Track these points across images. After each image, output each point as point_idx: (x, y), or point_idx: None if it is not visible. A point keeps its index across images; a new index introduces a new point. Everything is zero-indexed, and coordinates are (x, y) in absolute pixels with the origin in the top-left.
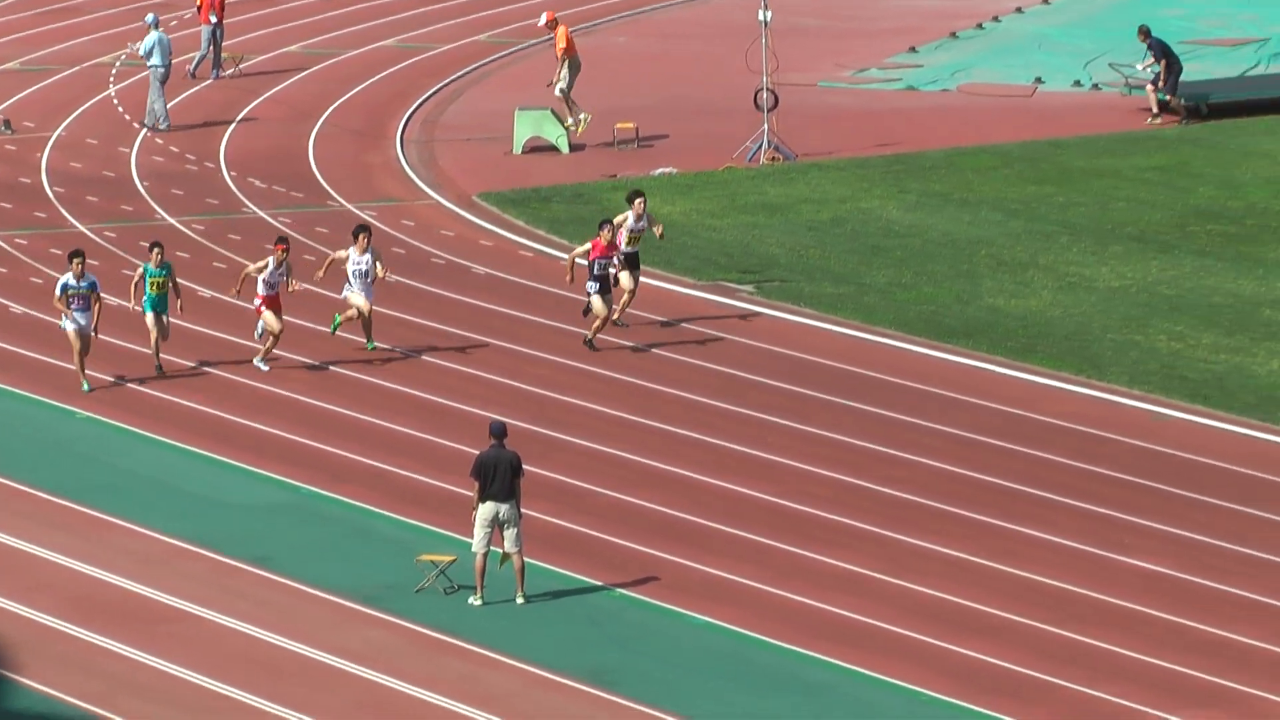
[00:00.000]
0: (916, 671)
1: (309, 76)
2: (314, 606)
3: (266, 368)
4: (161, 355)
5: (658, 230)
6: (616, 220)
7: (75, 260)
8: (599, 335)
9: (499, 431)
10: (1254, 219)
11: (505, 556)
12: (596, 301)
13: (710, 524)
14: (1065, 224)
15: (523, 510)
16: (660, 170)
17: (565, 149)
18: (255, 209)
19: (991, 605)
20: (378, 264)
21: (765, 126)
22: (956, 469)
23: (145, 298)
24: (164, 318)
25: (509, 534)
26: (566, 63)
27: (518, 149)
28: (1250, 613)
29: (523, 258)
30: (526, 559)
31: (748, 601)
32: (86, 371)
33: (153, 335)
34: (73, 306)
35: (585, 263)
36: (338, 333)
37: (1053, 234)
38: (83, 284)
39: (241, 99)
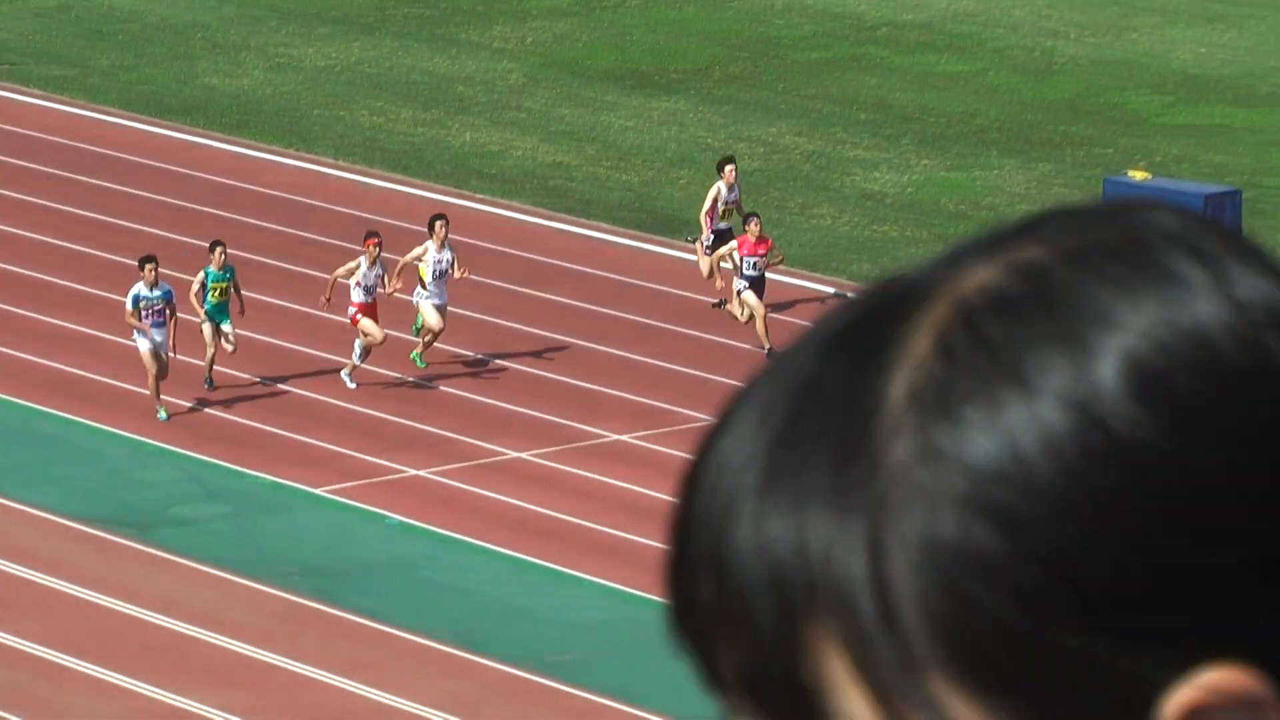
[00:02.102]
0: (137, 422)
1: None
2: None
3: (354, 385)
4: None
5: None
6: (711, 196)
7: (148, 266)
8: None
9: None
10: (447, 3)
11: None
12: (750, 297)
13: None
14: (274, 8)
15: None
16: None
17: None
18: None
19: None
20: (455, 262)
21: None
22: (173, 235)
23: (204, 305)
24: (224, 328)
25: None
26: None
27: None
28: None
29: None
30: None
31: None
32: (163, 396)
33: (209, 350)
34: (146, 320)
35: (736, 261)
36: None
37: (263, 18)
38: (156, 293)
39: None
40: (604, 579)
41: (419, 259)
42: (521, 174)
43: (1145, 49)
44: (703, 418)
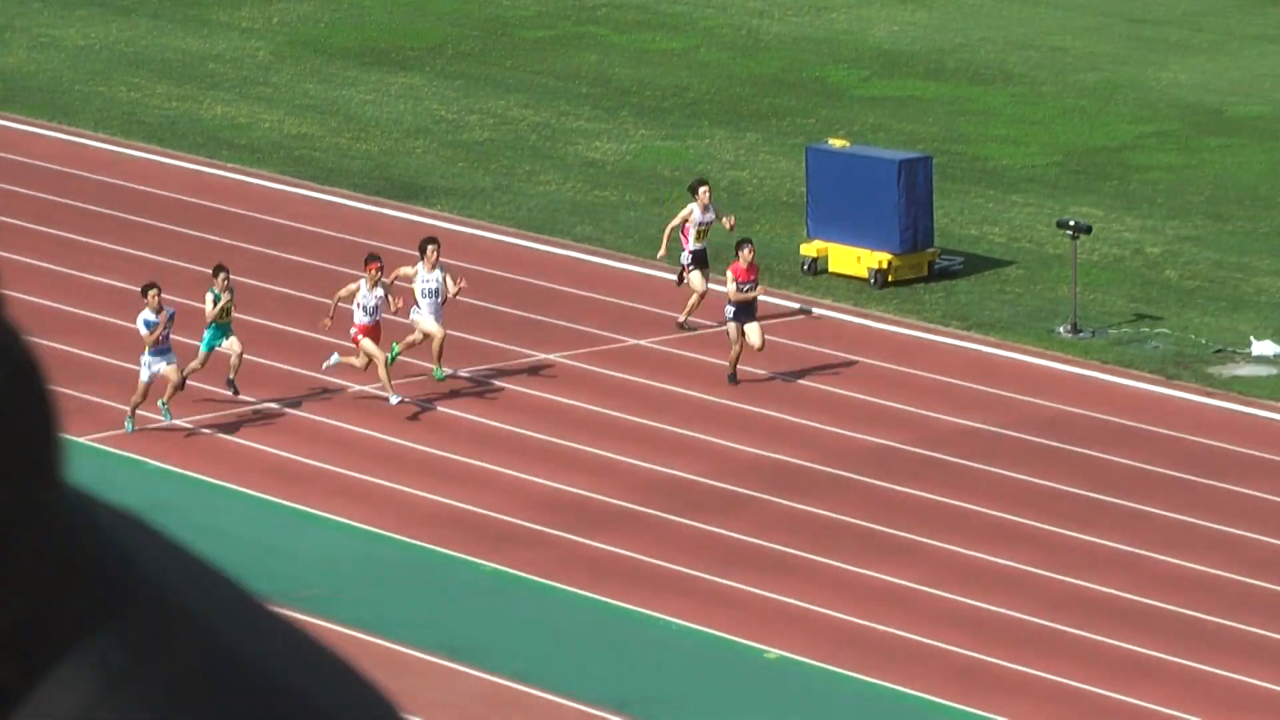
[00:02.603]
0: None
1: None
2: None
3: (396, 399)
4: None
5: (727, 222)
6: (682, 215)
7: (151, 292)
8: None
9: None
10: None
11: None
12: (732, 329)
13: None
14: None
15: None
16: None
17: None
18: None
19: None
20: (448, 280)
21: None
22: None
23: (209, 326)
24: (229, 342)
25: None
26: None
27: None
28: None
29: None
30: None
31: None
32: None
33: (235, 352)
34: (154, 348)
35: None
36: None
37: (26, 0)
38: (162, 317)
39: None
40: (348, 519)
41: (409, 280)
42: (269, 144)
43: (843, 27)
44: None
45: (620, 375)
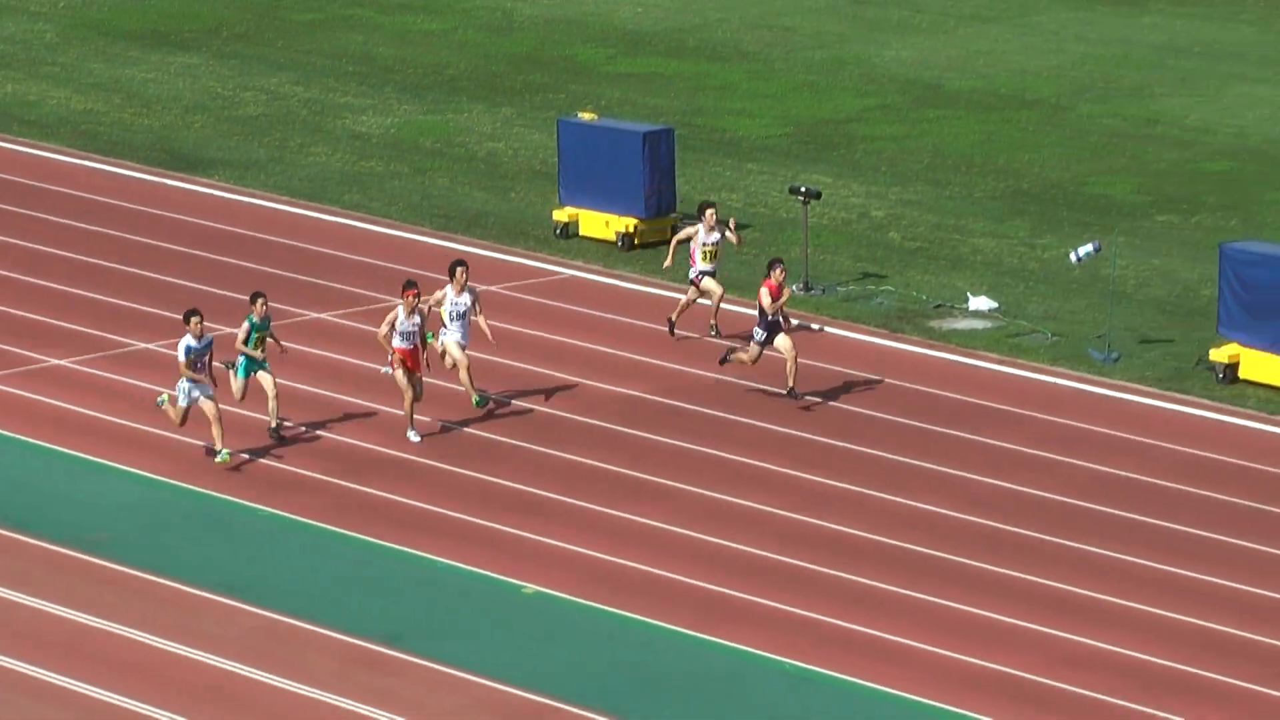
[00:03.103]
0: None
1: None
2: None
3: (417, 438)
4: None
5: (734, 237)
6: (684, 233)
7: (194, 319)
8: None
9: None
10: None
11: None
12: (753, 350)
13: None
14: None
15: None
16: None
17: None
18: None
19: None
20: (477, 305)
21: None
22: None
23: (240, 356)
24: (270, 375)
25: None
26: None
27: None
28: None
29: None
30: None
31: None
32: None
33: (269, 394)
34: (199, 371)
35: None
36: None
37: None
38: (203, 345)
39: None
40: (133, 468)
41: (438, 303)
42: (57, 120)
43: (591, 9)
44: (216, 326)
45: None
